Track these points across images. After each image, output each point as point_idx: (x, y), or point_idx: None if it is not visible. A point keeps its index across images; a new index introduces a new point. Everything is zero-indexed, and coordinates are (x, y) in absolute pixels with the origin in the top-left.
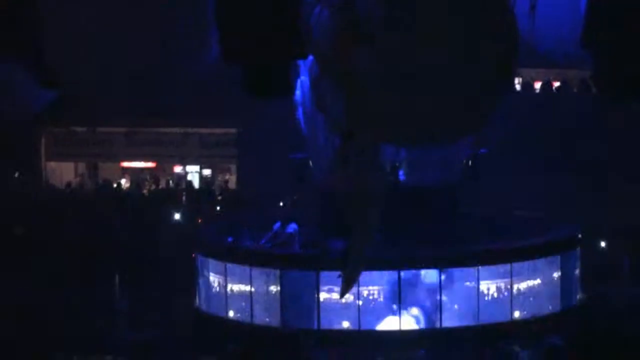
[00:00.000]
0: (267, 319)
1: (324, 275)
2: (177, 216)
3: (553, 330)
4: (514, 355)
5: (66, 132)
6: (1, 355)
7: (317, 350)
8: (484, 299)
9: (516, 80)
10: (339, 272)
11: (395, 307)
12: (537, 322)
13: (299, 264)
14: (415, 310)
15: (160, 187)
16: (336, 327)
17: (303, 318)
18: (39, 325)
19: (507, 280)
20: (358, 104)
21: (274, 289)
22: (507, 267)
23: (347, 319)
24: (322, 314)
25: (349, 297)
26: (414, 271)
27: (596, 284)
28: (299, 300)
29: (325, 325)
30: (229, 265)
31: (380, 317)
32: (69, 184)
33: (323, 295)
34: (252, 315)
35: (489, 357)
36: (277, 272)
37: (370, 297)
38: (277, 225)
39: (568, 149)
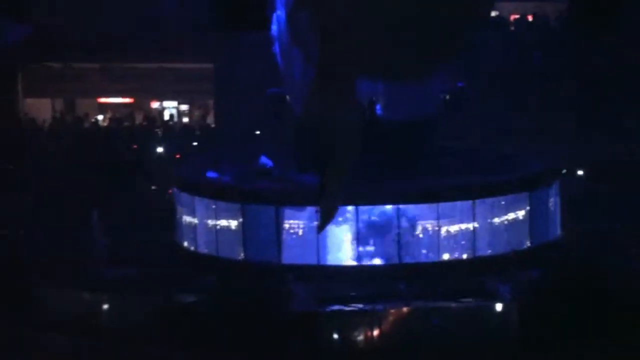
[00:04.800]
0: (234, 253)
1: (287, 210)
2: (157, 151)
3: (531, 265)
4: (493, 289)
5: (42, 68)
6: None
7: (293, 284)
8: (448, 235)
9: (492, 14)
10: (316, 208)
11: (355, 242)
12: (514, 257)
13: (260, 199)
14: (372, 247)
15: (137, 123)
16: (298, 261)
17: (265, 252)
18: (19, 260)
19: (472, 216)
20: (334, 36)
21: (237, 223)
22: (476, 203)
23: (309, 254)
24: (284, 249)
25: (309, 232)
26: (377, 207)
27: (575, 218)
28: (261, 234)
29: (287, 260)
30: (198, 199)
31: (341, 252)
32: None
33: (286, 230)
34: (217, 249)
35: (469, 291)
36: (239, 206)
37: (330, 233)
38: (262, 159)
39: (546, 85)
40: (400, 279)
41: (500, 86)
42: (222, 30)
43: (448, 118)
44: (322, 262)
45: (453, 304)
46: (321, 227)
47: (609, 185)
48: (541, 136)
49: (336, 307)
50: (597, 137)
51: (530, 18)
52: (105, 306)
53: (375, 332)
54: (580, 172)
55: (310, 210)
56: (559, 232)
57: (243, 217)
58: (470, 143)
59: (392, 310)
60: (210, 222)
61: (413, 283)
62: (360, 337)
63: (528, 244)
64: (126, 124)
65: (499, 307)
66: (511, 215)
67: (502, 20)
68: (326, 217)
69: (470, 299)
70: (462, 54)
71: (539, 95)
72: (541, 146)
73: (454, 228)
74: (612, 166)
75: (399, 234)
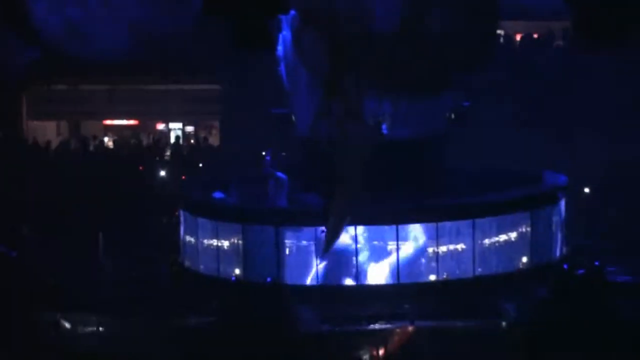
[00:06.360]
0: (236, 273)
1: (288, 229)
2: (161, 173)
3: (539, 283)
4: (500, 308)
5: (47, 91)
6: None
7: (299, 305)
8: (448, 255)
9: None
10: (321, 228)
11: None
12: (516, 276)
13: (260, 219)
14: (373, 267)
15: (144, 144)
16: (299, 282)
17: (266, 272)
18: (23, 283)
19: (472, 234)
20: (341, 55)
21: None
22: (476, 222)
23: (310, 274)
24: (285, 269)
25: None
26: (378, 226)
27: (577, 235)
28: (261, 254)
29: (289, 280)
30: (200, 219)
31: (343, 273)
32: (48, 143)
33: (286, 250)
34: (218, 269)
35: (474, 310)
36: (240, 226)
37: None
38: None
39: (548, 103)
40: (402, 298)
41: (508, 104)
42: (228, 51)
43: (460, 138)
44: (323, 282)
45: (457, 323)
46: (327, 247)
47: (616, 201)
48: (551, 153)
49: (341, 327)
50: (603, 151)
51: (535, 36)
52: (105, 329)
53: (381, 352)
54: (587, 190)
55: (311, 230)
56: (563, 249)
57: (243, 237)
58: (483, 162)
59: (397, 330)
60: (212, 242)
61: (415, 303)
62: (366, 357)
63: (530, 262)
64: (132, 143)
65: (503, 325)
66: (512, 234)
67: (507, 38)
68: (332, 237)
69: (474, 318)
70: (472, 72)
71: (547, 112)
72: (551, 164)
73: (453, 247)
74: (622, 180)
75: (399, 254)
